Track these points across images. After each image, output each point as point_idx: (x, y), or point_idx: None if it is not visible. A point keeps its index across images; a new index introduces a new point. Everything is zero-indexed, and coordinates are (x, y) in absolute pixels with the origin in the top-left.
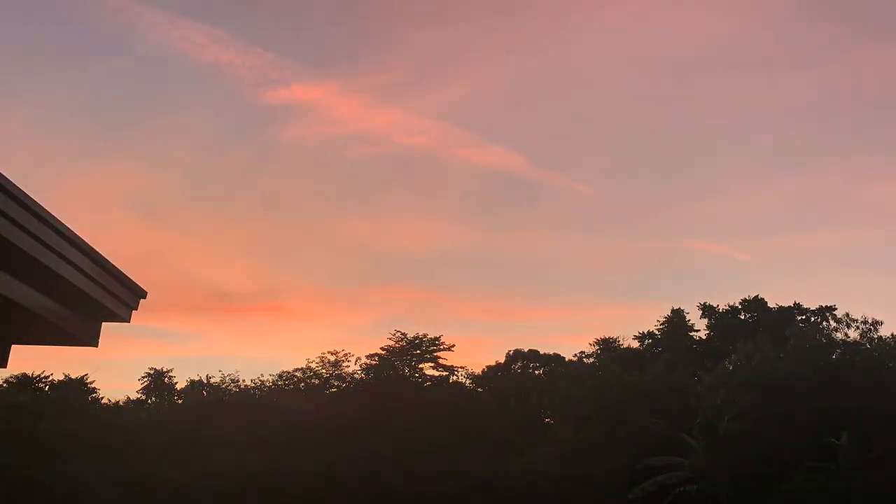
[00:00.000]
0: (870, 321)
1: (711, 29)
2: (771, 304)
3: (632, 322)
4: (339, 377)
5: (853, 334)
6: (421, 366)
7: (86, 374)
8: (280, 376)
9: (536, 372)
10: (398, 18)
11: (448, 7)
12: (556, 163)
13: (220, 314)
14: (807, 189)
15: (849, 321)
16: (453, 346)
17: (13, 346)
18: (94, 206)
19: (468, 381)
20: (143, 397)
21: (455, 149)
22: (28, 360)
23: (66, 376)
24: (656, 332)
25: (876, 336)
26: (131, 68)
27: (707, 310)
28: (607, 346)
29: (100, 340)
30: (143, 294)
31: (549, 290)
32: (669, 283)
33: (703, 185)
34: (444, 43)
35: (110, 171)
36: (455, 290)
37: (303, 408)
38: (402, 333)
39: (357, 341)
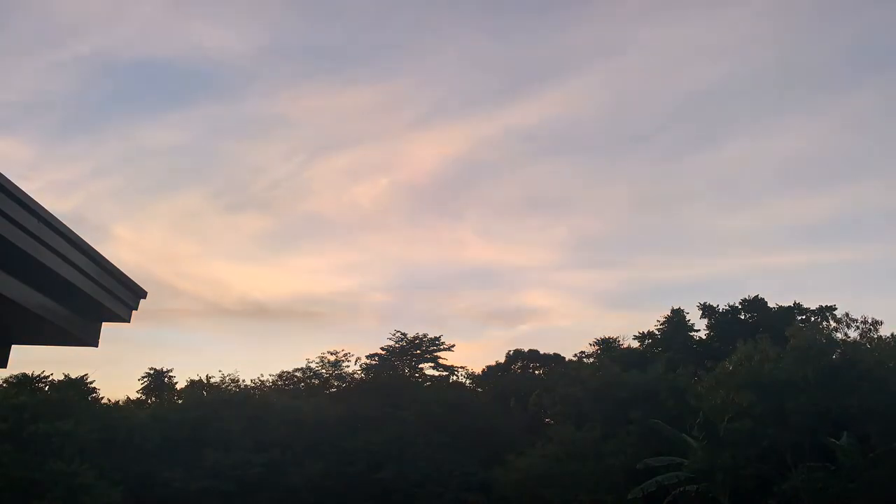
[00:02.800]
0: (870, 321)
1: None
2: (771, 304)
3: (632, 322)
4: (339, 377)
5: (853, 334)
6: (421, 366)
7: (86, 374)
8: (280, 376)
9: (536, 372)
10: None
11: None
12: (582, 177)
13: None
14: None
15: (849, 321)
16: (453, 345)
17: (13, 346)
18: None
19: (468, 381)
20: (143, 397)
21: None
22: (28, 360)
23: (66, 376)
24: (656, 332)
25: (876, 336)
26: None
27: (707, 310)
28: (607, 346)
29: (100, 340)
30: (143, 294)
31: (552, 290)
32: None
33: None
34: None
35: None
36: (461, 292)
37: (303, 408)
38: (402, 333)
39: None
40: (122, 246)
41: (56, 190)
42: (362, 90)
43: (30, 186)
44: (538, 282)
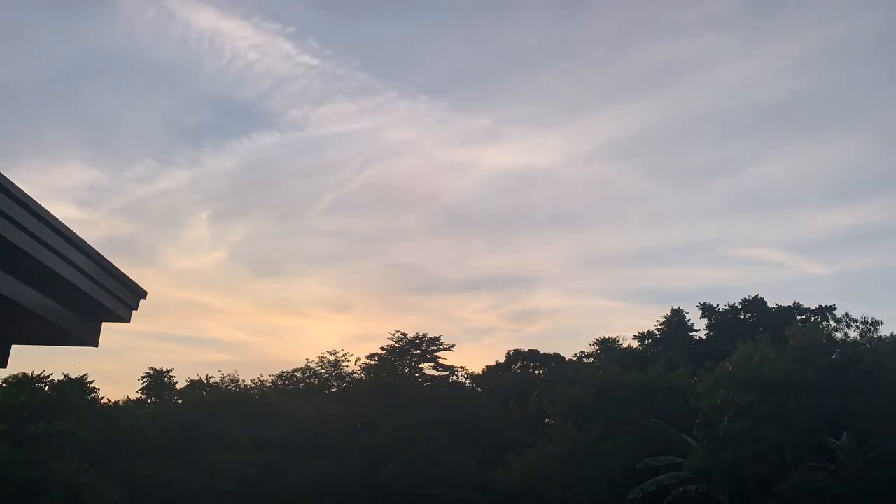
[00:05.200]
0: (870, 321)
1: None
2: (771, 304)
3: (633, 322)
4: (339, 377)
5: (853, 334)
6: (421, 366)
7: (86, 374)
8: (280, 376)
9: (536, 372)
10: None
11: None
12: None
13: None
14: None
15: (849, 321)
16: (453, 345)
17: (13, 346)
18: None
19: (468, 381)
20: (143, 397)
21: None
22: (28, 360)
23: (65, 376)
24: (656, 332)
25: (876, 336)
26: None
27: (707, 310)
28: (607, 346)
29: (100, 340)
30: (143, 294)
31: (553, 289)
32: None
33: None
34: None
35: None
36: (475, 295)
37: (303, 408)
38: (402, 333)
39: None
40: (174, 269)
41: (121, 213)
42: (425, 113)
43: (97, 212)
44: (550, 287)
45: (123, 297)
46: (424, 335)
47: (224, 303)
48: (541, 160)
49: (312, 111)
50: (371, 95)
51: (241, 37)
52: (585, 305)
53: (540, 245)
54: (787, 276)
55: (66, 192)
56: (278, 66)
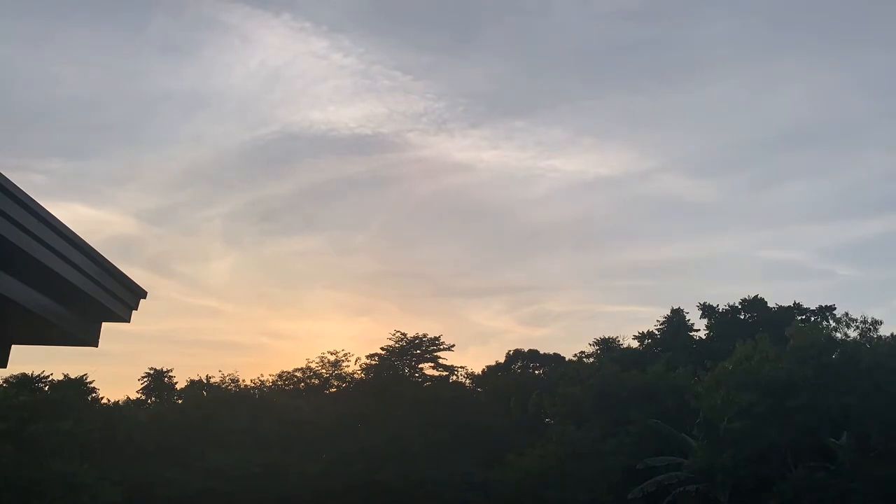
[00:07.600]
0: (870, 321)
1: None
2: (771, 304)
3: (633, 322)
4: (339, 377)
5: (853, 334)
6: (421, 366)
7: (86, 374)
8: (280, 376)
9: (536, 372)
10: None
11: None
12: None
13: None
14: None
15: (848, 321)
16: (453, 345)
17: (13, 346)
18: None
19: (468, 381)
20: (143, 397)
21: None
22: (28, 360)
23: (65, 376)
24: (656, 332)
25: (875, 336)
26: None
27: (707, 310)
28: (607, 346)
29: (100, 340)
30: (143, 294)
31: (552, 289)
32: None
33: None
34: None
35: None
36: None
37: (303, 408)
38: (402, 333)
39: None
40: (210, 283)
41: (178, 231)
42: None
43: (159, 229)
44: (564, 292)
45: (123, 297)
46: (424, 335)
47: (246, 310)
48: (573, 168)
49: (336, 113)
50: (402, 94)
51: (275, 36)
52: (600, 310)
53: (562, 254)
54: (794, 280)
55: (136, 213)
56: (313, 67)
